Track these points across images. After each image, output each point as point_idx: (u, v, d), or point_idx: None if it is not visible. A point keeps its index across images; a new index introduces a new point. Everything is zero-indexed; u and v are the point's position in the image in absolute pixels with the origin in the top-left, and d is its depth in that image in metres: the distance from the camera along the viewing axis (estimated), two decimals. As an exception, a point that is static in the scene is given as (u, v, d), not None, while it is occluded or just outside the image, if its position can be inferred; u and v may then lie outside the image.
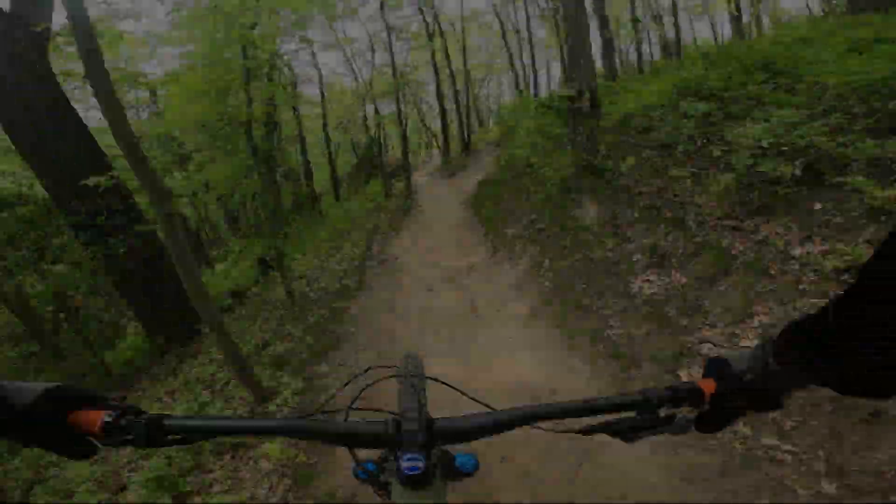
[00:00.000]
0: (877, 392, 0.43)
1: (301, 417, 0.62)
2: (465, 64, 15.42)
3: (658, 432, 0.59)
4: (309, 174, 16.40)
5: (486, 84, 27.45)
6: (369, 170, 18.26)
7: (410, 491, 0.59)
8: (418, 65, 19.92)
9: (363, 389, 0.70)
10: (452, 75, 15.28)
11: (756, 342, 0.60)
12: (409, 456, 0.57)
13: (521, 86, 19.63)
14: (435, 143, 18.57)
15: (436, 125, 19.26)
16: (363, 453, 0.65)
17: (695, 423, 0.59)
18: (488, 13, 19.33)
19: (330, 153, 16.72)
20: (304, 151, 15.83)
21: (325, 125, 15.13)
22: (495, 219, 7.81)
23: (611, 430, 0.60)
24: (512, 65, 19.43)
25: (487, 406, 0.64)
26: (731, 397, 0.55)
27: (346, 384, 0.74)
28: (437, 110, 16.07)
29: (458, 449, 0.70)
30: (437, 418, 0.61)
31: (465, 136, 15.14)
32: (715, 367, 0.58)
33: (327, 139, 15.59)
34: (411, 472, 0.56)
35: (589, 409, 0.59)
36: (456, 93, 15.62)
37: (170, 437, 0.56)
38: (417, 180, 14.85)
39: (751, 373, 0.53)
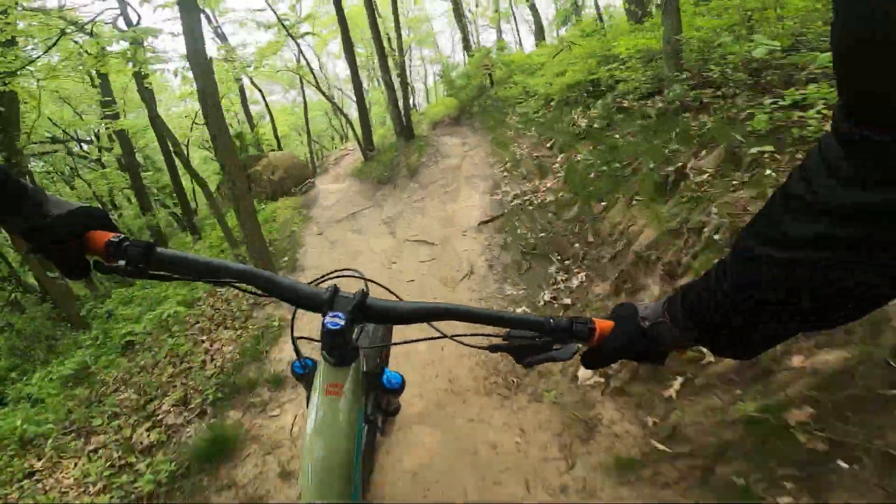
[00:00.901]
0: (744, 355, 0.49)
1: (267, 272, 0.67)
2: (396, 18, 9.04)
3: (549, 358, 0.63)
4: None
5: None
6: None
7: (331, 368, 0.67)
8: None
9: (325, 276, 0.75)
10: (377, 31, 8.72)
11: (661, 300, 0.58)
12: (334, 314, 0.63)
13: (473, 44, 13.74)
14: (352, 133, 11.82)
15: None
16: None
17: (582, 356, 0.64)
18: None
19: (170, 151, 9.41)
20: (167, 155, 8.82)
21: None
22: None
23: (512, 349, 0.64)
24: (460, 17, 13.27)
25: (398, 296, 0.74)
26: (626, 342, 0.58)
27: (314, 281, 0.73)
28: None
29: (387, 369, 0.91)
30: (371, 298, 0.66)
31: (404, 118, 8.73)
32: (620, 311, 0.61)
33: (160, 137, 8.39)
34: (332, 327, 0.62)
35: (498, 318, 0.64)
36: (383, 55, 9.06)
37: (155, 268, 0.64)
38: (320, 200, 8.06)
39: (649, 321, 0.56)
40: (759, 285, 0.41)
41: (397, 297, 0.74)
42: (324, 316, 0.64)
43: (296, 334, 0.76)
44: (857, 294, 0.37)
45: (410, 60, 21.31)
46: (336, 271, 0.79)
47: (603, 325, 0.61)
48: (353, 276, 0.80)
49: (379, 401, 1.07)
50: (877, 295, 0.37)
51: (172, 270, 0.66)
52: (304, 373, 0.85)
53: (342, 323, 0.63)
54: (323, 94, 11.15)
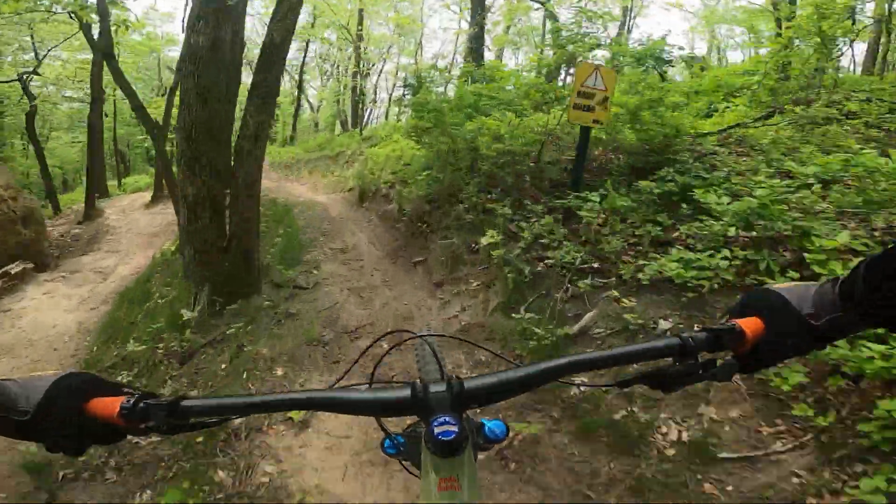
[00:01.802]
0: None
1: (323, 390, 0.57)
2: None
3: (699, 379, 0.53)
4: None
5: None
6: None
7: (441, 460, 0.52)
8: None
9: (385, 354, 0.69)
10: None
11: (817, 283, 0.51)
12: (441, 419, 0.50)
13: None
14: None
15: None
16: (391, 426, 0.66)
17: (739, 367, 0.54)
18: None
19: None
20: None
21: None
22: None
23: (650, 381, 0.55)
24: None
25: (511, 362, 0.62)
26: (787, 338, 0.51)
27: (364, 351, 0.69)
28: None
29: (484, 415, 0.72)
30: (464, 378, 0.55)
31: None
32: (762, 301, 0.54)
33: None
34: (446, 438, 0.49)
35: (621, 358, 0.55)
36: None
37: (191, 420, 0.54)
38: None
39: (820, 314, 0.49)
40: None
41: (492, 352, 0.78)
42: (426, 424, 0.51)
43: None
44: None
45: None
46: (386, 333, 0.72)
47: (749, 324, 0.53)
48: (413, 336, 0.71)
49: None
50: None
51: (207, 422, 0.58)
52: (397, 452, 0.68)
53: (456, 430, 0.49)
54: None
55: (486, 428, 0.67)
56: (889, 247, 0.44)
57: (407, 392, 0.53)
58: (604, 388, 0.64)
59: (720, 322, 0.55)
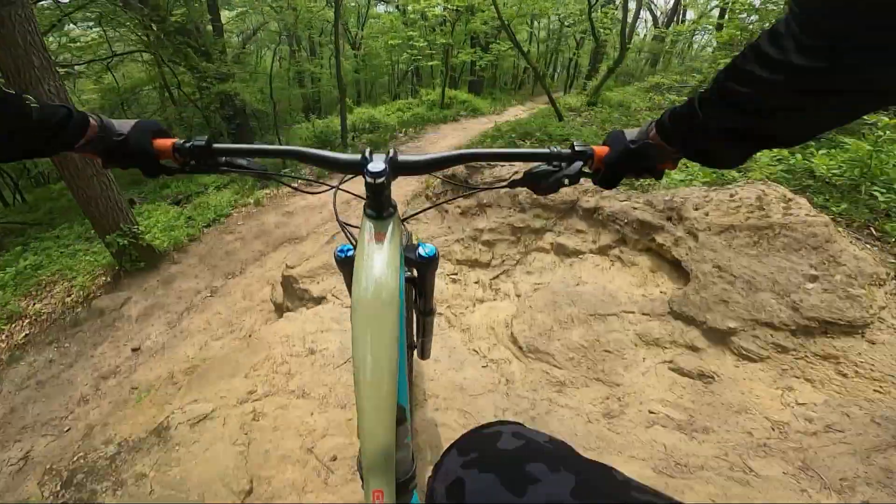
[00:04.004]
0: (724, 164, 0.62)
1: (310, 148, 0.78)
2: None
3: (558, 179, 0.72)
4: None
5: None
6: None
7: (374, 221, 0.72)
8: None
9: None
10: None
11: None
12: (374, 162, 0.71)
13: None
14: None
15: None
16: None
17: (592, 179, 0.75)
18: None
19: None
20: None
21: None
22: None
23: (527, 181, 0.75)
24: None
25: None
26: (619, 160, 0.70)
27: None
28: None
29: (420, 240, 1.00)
30: (400, 154, 0.76)
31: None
32: (611, 137, 0.72)
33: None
34: (373, 170, 0.69)
35: (511, 155, 0.76)
36: None
37: (221, 158, 0.76)
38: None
39: (635, 143, 0.69)
40: (731, 106, 0.52)
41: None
42: (364, 170, 0.70)
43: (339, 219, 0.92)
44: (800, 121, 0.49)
45: None
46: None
47: (599, 149, 0.73)
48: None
49: (415, 292, 1.14)
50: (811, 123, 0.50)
51: (229, 164, 0.77)
52: (347, 257, 0.94)
53: (383, 166, 0.69)
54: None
55: (420, 248, 0.91)
56: (686, 100, 0.60)
57: (358, 156, 0.74)
58: (499, 187, 0.95)
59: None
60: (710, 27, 18.38)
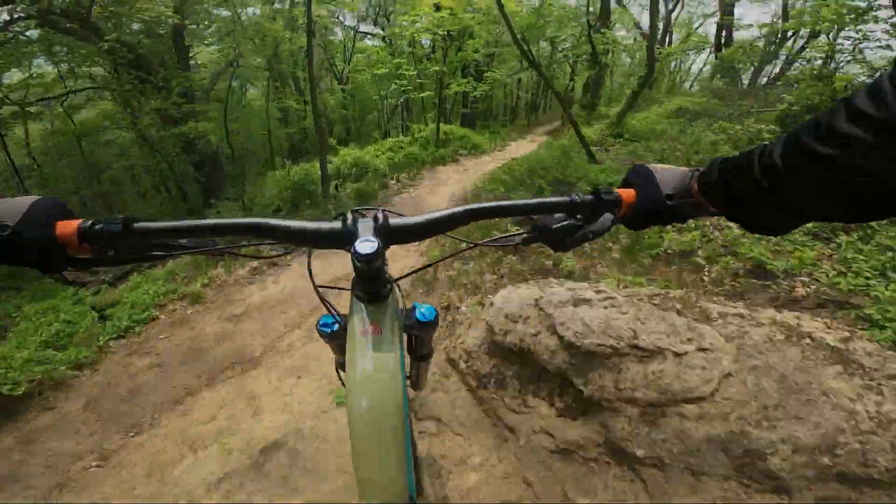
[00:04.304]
0: (775, 233, 0.56)
1: (269, 217, 0.66)
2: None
3: (584, 235, 0.63)
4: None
5: None
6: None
7: (367, 305, 0.62)
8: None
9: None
10: None
11: (683, 167, 0.63)
12: (363, 239, 0.57)
13: None
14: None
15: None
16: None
17: (619, 222, 0.66)
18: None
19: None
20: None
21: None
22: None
23: (545, 237, 0.65)
24: None
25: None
26: (652, 213, 0.62)
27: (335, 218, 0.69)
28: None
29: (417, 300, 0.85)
30: (392, 217, 0.64)
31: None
32: (638, 176, 0.64)
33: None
34: (364, 252, 0.56)
35: (523, 207, 0.64)
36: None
37: (138, 247, 0.61)
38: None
39: (675, 194, 0.61)
40: (801, 172, 0.47)
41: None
42: (352, 251, 0.57)
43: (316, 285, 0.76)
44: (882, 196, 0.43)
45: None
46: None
47: (625, 193, 0.65)
48: (369, 209, 0.69)
49: (412, 344, 0.94)
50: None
51: (161, 246, 0.64)
52: (332, 332, 0.80)
53: (376, 246, 0.57)
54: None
55: (418, 311, 0.78)
56: (740, 154, 0.54)
57: (338, 224, 0.62)
58: (507, 246, 0.63)
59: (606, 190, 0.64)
60: (705, 45, 17.71)
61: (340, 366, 0.86)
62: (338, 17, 18.10)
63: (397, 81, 13.76)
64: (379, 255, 0.57)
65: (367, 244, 0.57)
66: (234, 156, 13.73)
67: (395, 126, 20.09)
